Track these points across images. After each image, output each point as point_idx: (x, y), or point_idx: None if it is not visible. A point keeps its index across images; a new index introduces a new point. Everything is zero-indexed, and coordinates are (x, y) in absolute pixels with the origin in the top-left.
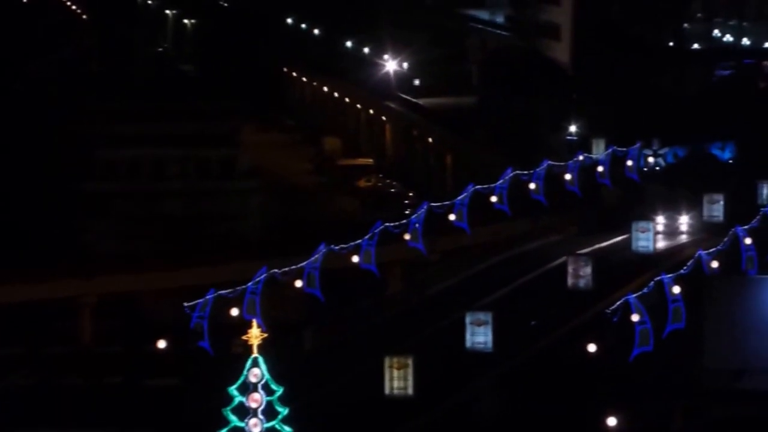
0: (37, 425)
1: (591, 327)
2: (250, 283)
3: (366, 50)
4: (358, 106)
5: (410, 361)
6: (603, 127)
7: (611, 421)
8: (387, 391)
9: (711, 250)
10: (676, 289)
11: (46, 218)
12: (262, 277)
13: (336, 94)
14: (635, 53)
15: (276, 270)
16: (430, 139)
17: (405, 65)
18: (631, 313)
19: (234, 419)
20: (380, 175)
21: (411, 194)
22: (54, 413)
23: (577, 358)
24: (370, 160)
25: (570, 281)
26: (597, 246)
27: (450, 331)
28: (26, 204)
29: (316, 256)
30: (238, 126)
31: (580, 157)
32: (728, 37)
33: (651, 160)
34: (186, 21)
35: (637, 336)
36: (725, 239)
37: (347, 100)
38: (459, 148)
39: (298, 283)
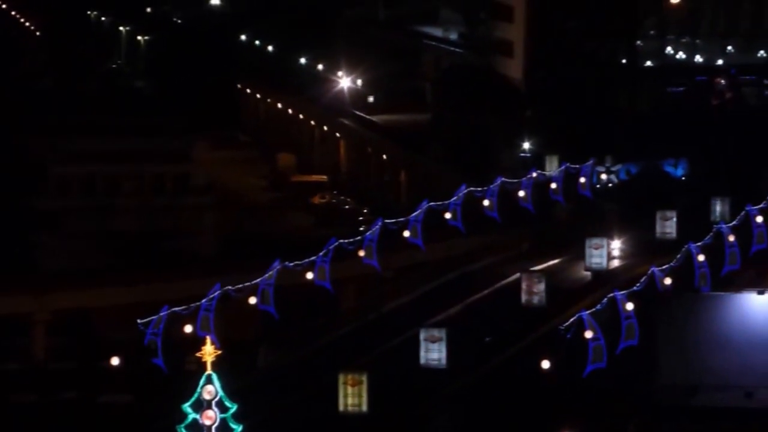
0: None
1: (545, 343)
2: (204, 300)
3: (320, 67)
4: (313, 122)
5: (364, 378)
6: (556, 144)
7: None
8: (341, 408)
9: (664, 267)
10: (629, 306)
11: None
12: (216, 293)
13: (290, 111)
14: (588, 70)
15: (230, 287)
16: (385, 156)
17: (359, 82)
18: (585, 329)
19: None
20: (335, 192)
21: (365, 211)
22: (7, 430)
23: (531, 375)
24: (325, 177)
25: (524, 298)
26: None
27: (404, 347)
28: None
29: (271, 272)
30: (192, 142)
31: (534, 174)
32: (681, 55)
33: (604, 177)
34: (140, 37)
35: (590, 352)
36: (678, 256)
37: (301, 116)
38: (413, 164)
39: (253, 300)
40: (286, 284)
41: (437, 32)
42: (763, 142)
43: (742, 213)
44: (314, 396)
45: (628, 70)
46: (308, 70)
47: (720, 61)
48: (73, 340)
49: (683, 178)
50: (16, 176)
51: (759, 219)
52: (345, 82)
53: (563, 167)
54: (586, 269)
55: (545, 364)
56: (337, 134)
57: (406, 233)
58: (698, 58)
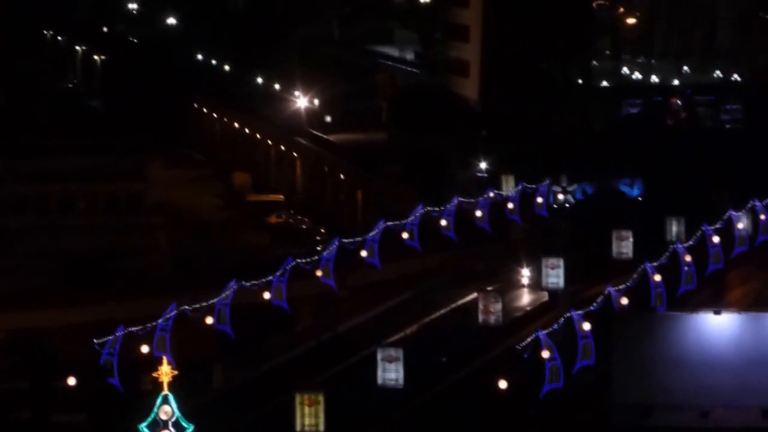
0: None
1: (501, 363)
2: (160, 320)
3: (276, 86)
4: (269, 141)
5: (321, 398)
6: (513, 164)
7: None
8: (298, 428)
9: (620, 286)
10: (586, 326)
11: None
12: (172, 313)
13: (246, 130)
14: (544, 90)
15: (186, 306)
16: (341, 175)
17: (315, 101)
18: (542, 349)
19: None
20: (291, 211)
21: (322, 230)
22: None
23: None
24: (281, 196)
25: (480, 318)
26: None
27: (361, 367)
28: None
29: (227, 292)
30: (146, 161)
31: (490, 194)
32: (636, 75)
33: (560, 196)
34: (96, 57)
35: (547, 372)
36: (634, 276)
37: (257, 135)
38: (370, 184)
39: (209, 320)
40: (243, 304)
41: (393, 52)
42: (718, 162)
43: (699, 233)
44: (271, 416)
45: (584, 90)
46: (264, 89)
47: (675, 81)
48: (26, 360)
49: (639, 198)
50: None
51: (715, 239)
52: (301, 101)
53: (519, 187)
54: (543, 289)
55: (502, 384)
56: (294, 153)
57: (363, 253)
58: (654, 78)
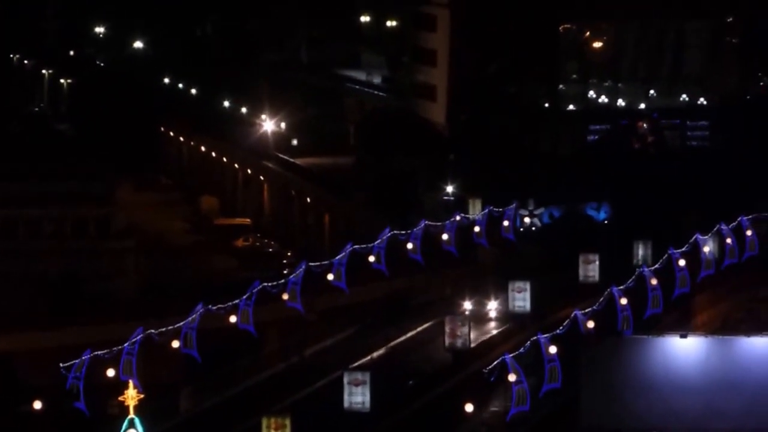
0: None
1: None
2: (126, 344)
3: (244, 110)
4: (236, 165)
5: (288, 422)
6: (479, 187)
7: None
8: None
9: (587, 310)
10: (552, 349)
11: None
12: (139, 337)
13: (213, 154)
14: (511, 113)
15: (153, 330)
16: (308, 199)
17: (283, 125)
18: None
19: None
20: (258, 235)
21: (289, 254)
22: None
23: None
24: (248, 220)
25: (447, 341)
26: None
27: (328, 390)
28: None
29: (194, 316)
30: (114, 185)
31: (457, 217)
32: (603, 98)
33: (527, 220)
34: (63, 80)
35: (513, 396)
36: (601, 299)
37: (225, 159)
38: (337, 207)
39: (175, 344)
40: (209, 327)
41: (361, 76)
42: (685, 185)
43: (665, 256)
44: None
45: (551, 113)
46: (232, 112)
47: (642, 105)
48: None
49: (606, 222)
50: None
51: (681, 262)
52: (269, 125)
53: (486, 210)
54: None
55: (468, 407)
56: (261, 177)
57: (330, 276)
58: (620, 102)
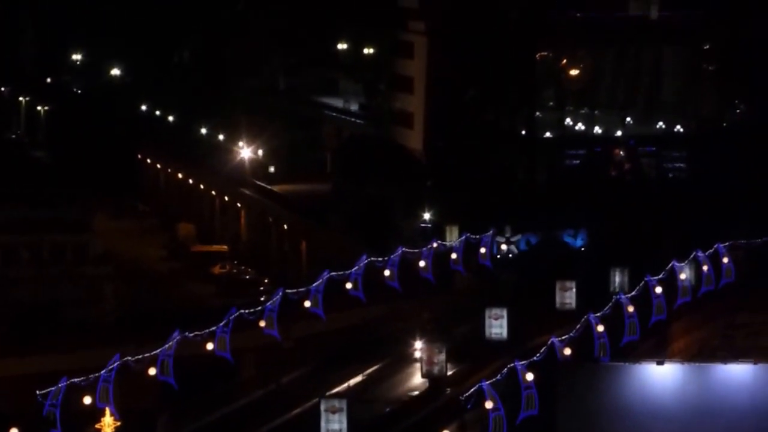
0: None
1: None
2: (103, 371)
3: (221, 137)
4: (213, 192)
5: None
6: (457, 214)
7: None
8: None
9: (564, 337)
10: (529, 377)
11: None
12: (116, 364)
13: (191, 181)
14: (488, 141)
15: (129, 357)
16: (285, 226)
17: (260, 152)
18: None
19: None
20: (235, 262)
21: (266, 281)
22: None
23: None
24: (225, 247)
25: (424, 368)
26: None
27: (305, 418)
28: None
29: (170, 343)
30: (91, 212)
31: (434, 244)
32: (580, 126)
33: (504, 247)
34: (40, 108)
35: (490, 423)
36: (578, 326)
37: (202, 186)
38: (314, 234)
39: (152, 371)
40: (186, 354)
41: (338, 103)
42: (661, 213)
43: (642, 283)
44: None
45: (527, 140)
46: (209, 139)
47: (619, 132)
48: None
49: (582, 249)
50: None
51: (658, 289)
52: (246, 152)
53: (463, 237)
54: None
55: None
56: (238, 204)
57: (307, 303)
58: (597, 129)
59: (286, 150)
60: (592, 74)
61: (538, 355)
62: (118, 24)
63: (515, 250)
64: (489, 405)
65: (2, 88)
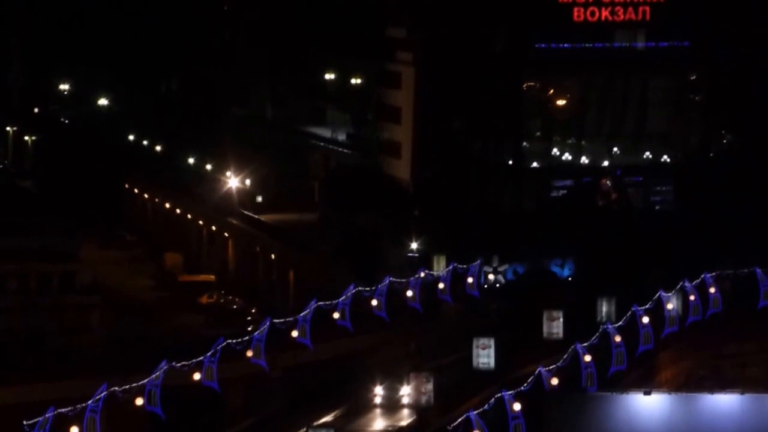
0: None
1: None
2: (90, 401)
3: (208, 166)
4: (201, 222)
5: None
6: (444, 244)
7: None
8: None
9: (551, 367)
10: (517, 406)
11: None
12: (103, 394)
13: (178, 210)
14: (475, 170)
15: (117, 387)
16: (273, 255)
17: (248, 181)
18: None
19: None
20: (222, 292)
21: (254, 310)
22: None
23: None
24: (212, 277)
25: (412, 398)
26: None
27: None
28: None
29: (158, 373)
30: (78, 241)
31: (422, 274)
32: (567, 156)
33: (491, 277)
34: (27, 137)
35: None
36: (565, 356)
37: (189, 216)
38: (301, 264)
39: (139, 401)
40: (174, 384)
41: (326, 133)
42: (648, 243)
43: (629, 313)
44: None
45: (515, 170)
46: (196, 169)
47: (606, 162)
48: None
49: (570, 279)
50: None
51: (645, 319)
52: (233, 181)
53: (451, 267)
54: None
55: None
56: (225, 234)
57: (295, 333)
58: (584, 159)
59: (273, 179)
60: (578, 104)
61: (525, 384)
62: (105, 54)
63: (502, 280)
64: None
65: None
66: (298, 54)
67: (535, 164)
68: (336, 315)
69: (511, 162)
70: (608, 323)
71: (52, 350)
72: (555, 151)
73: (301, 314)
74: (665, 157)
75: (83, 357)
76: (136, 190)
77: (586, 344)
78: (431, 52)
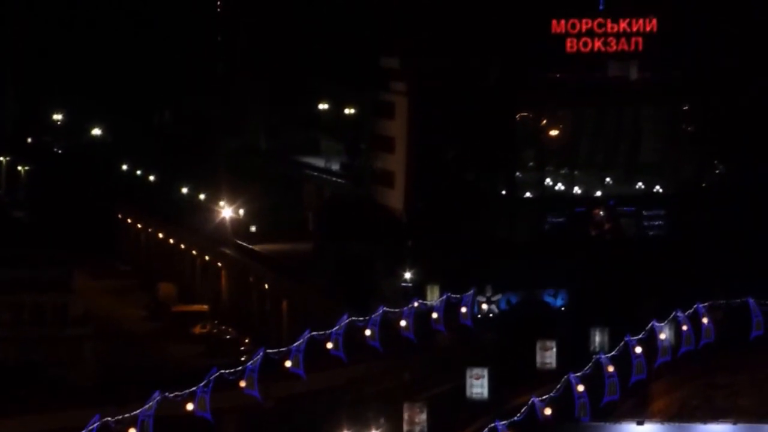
0: None
1: None
2: None
3: (202, 196)
4: (194, 252)
5: None
6: (437, 274)
7: None
8: None
9: (544, 396)
10: None
11: None
12: (96, 425)
13: (171, 240)
14: (468, 200)
15: (109, 418)
16: (266, 285)
17: (241, 211)
18: None
19: None
20: (216, 322)
21: (247, 340)
22: None
23: None
24: (206, 307)
25: (405, 429)
26: None
27: None
28: None
29: (151, 403)
30: (71, 272)
31: (415, 304)
32: (560, 186)
33: (485, 306)
34: (20, 168)
35: None
36: (558, 386)
37: (183, 246)
38: (295, 294)
39: None
40: (167, 415)
41: (319, 163)
42: (641, 273)
43: (622, 343)
44: None
45: (508, 200)
46: (190, 199)
47: (599, 193)
48: None
49: (563, 308)
50: None
51: (638, 349)
52: (227, 211)
53: (444, 297)
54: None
55: None
56: (219, 263)
57: (288, 363)
58: (577, 189)
59: (267, 209)
60: (571, 134)
61: (518, 414)
62: (99, 84)
63: (496, 310)
64: None
65: None
66: (292, 84)
67: (528, 194)
68: (329, 345)
69: (504, 192)
70: (601, 353)
71: (45, 381)
72: (548, 181)
73: (295, 344)
74: (658, 187)
75: (76, 388)
76: (129, 220)
77: (579, 374)
78: (425, 82)
